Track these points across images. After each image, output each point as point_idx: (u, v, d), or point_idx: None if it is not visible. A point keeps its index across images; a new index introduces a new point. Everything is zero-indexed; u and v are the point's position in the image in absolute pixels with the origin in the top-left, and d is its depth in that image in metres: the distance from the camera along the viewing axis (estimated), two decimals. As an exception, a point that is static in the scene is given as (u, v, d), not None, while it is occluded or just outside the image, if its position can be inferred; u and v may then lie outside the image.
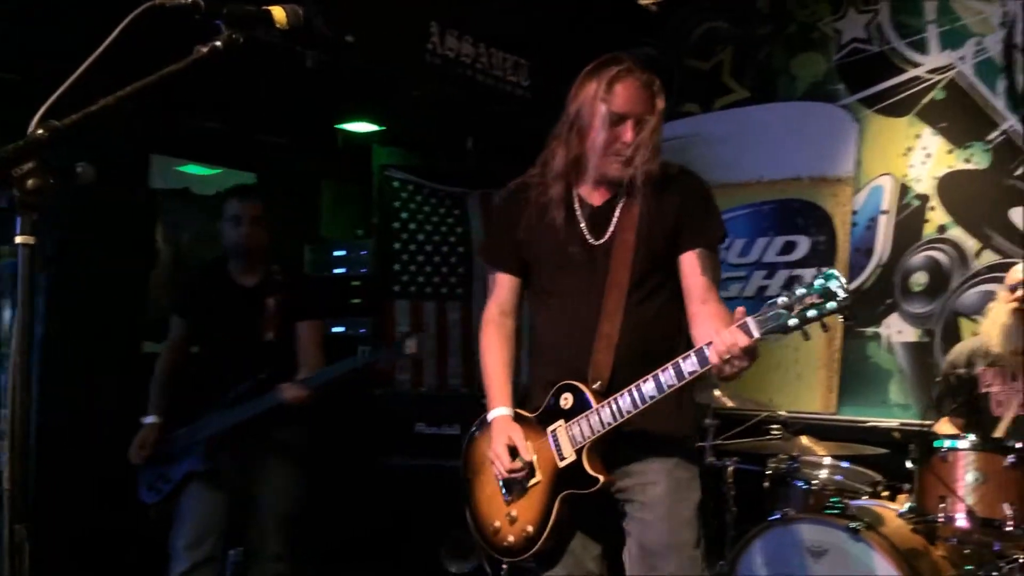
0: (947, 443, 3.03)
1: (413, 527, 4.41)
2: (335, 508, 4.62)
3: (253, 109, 4.49)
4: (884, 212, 4.48)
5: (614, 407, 2.09)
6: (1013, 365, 3.45)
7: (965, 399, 3.56)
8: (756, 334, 1.86)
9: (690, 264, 2.20)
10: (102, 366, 4.14)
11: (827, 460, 3.56)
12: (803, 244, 4.71)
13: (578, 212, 2.24)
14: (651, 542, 2.18)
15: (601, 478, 2.12)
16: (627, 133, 2.14)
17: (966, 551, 3.05)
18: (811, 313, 1.80)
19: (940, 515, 2.95)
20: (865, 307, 4.48)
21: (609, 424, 2.10)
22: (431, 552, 4.35)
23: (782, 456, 3.57)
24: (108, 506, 3.81)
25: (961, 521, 2.92)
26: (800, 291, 1.82)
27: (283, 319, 3.39)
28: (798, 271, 4.68)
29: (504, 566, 2.31)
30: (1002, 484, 2.89)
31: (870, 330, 4.49)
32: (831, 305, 1.79)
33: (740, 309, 1.92)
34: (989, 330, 3.54)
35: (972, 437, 3.02)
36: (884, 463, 3.65)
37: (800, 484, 3.47)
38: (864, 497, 3.46)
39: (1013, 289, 3.48)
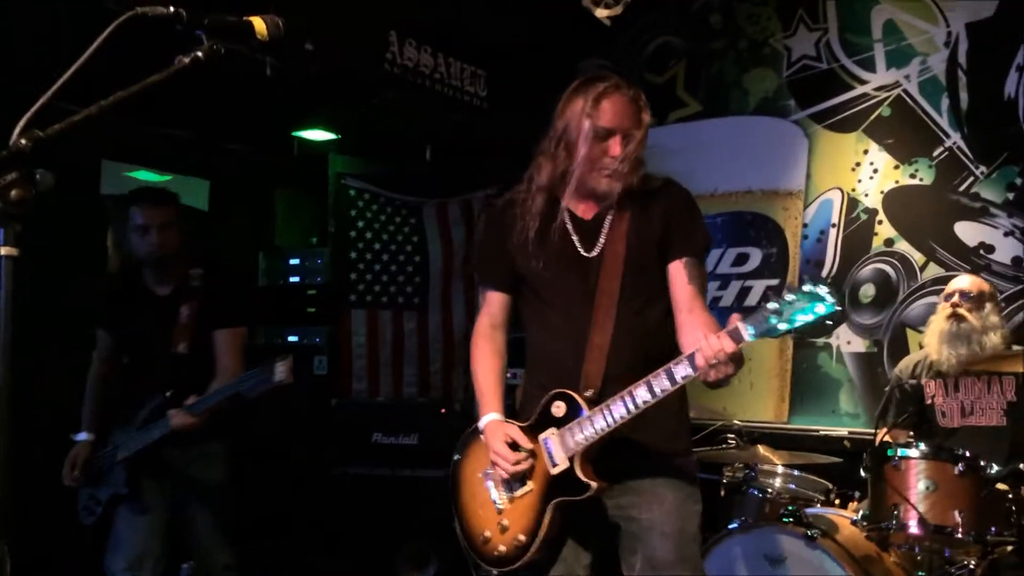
0: (900, 452, 3.11)
1: (370, 536, 4.38)
2: (292, 517, 4.60)
3: (208, 116, 4.43)
4: (834, 225, 4.60)
5: (607, 413, 2.11)
6: (952, 372, 3.57)
7: (915, 409, 3.68)
8: (747, 337, 1.90)
9: (677, 273, 2.24)
10: (52, 373, 4.03)
11: (780, 469, 3.61)
12: (755, 256, 4.80)
13: (569, 226, 2.28)
14: (660, 559, 2.19)
15: (593, 484, 2.13)
16: (615, 148, 2.18)
17: (918, 557, 3.14)
18: (799, 317, 1.84)
19: (893, 522, 3.02)
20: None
21: (602, 430, 2.11)
22: (388, 561, 4.33)
23: (738, 465, 3.62)
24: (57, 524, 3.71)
25: (913, 528, 2.99)
26: (790, 297, 1.86)
27: (198, 328, 3.22)
28: (750, 282, 4.77)
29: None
30: (953, 492, 2.98)
31: (821, 341, 4.59)
32: (819, 311, 1.84)
33: (735, 316, 1.96)
34: (930, 340, 3.67)
35: (923, 446, 3.11)
36: (834, 471, 3.73)
37: (756, 492, 3.52)
38: (817, 505, 3.52)
39: (948, 298, 3.61)
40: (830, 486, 3.64)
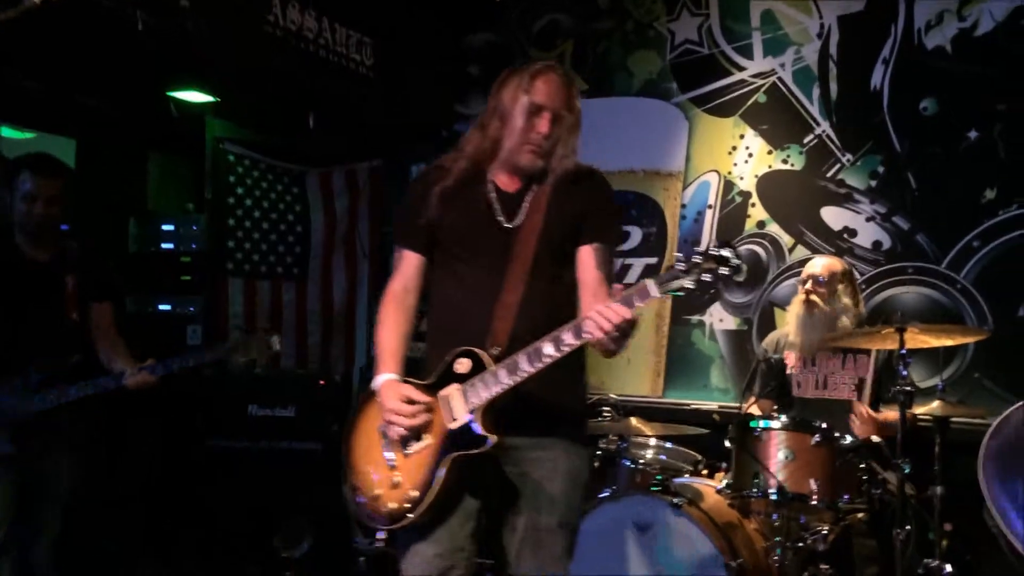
0: (762, 423, 3.26)
1: (244, 511, 4.30)
2: (163, 489, 4.47)
3: (74, 70, 4.21)
4: (710, 207, 4.74)
5: (511, 368, 2.14)
6: (808, 351, 3.75)
7: (777, 382, 3.86)
8: (655, 292, 1.98)
9: (588, 257, 2.32)
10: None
11: (653, 441, 3.75)
12: (636, 235, 4.90)
13: (493, 196, 2.34)
14: (544, 521, 2.25)
15: (492, 438, 2.14)
16: (543, 124, 2.26)
17: (776, 524, 3.28)
18: (707, 277, 1.94)
19: (754, 490, 3.17)
20: (691, 296, 4.58)
21: (505, 384, 2.14)
22: (264, 535, 4.26)
23: (612, 437, 3.72)
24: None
25: (773, 496, 3.15)
26: (697, 257, 1.95)
27: (80, 299, 3.28)
28: (630, 260, 4.88)
29: (380, 536, 2.28)
30: (809, 461, 3.14)
31: (695, 318, 4.74)
32: (724, 271, 1.93)
33: (617, 285, 2.05)
34: (789, 321, 3.86)
35: (784, 417, 3.26)
36: (704, 443, 3.89)
37: (628, 463, 3.64)
38: (686, 475, 3.66)
39: (803, 283, 3.79)
40: (699, 457, 3.79)
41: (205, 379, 4.67)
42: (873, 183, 4.36)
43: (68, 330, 3.24)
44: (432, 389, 2.25)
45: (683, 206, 4.80)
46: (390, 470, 2.27)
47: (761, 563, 3.27)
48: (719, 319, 4.69)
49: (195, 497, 4.39)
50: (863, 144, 4.38)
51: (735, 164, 4.69)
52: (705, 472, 3.74)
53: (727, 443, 3.37)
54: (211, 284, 5.02)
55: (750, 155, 4.66)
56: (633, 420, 3.74)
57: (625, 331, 2.02)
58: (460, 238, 2.34)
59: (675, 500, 3.22)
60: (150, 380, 3.13)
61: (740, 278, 1.98)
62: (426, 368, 2.32)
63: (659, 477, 3.42)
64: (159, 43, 3.76)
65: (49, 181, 3.22)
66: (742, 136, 4.67)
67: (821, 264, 3.81)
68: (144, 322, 5.00)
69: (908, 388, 3.14)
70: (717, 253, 1.93)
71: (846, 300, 3.72)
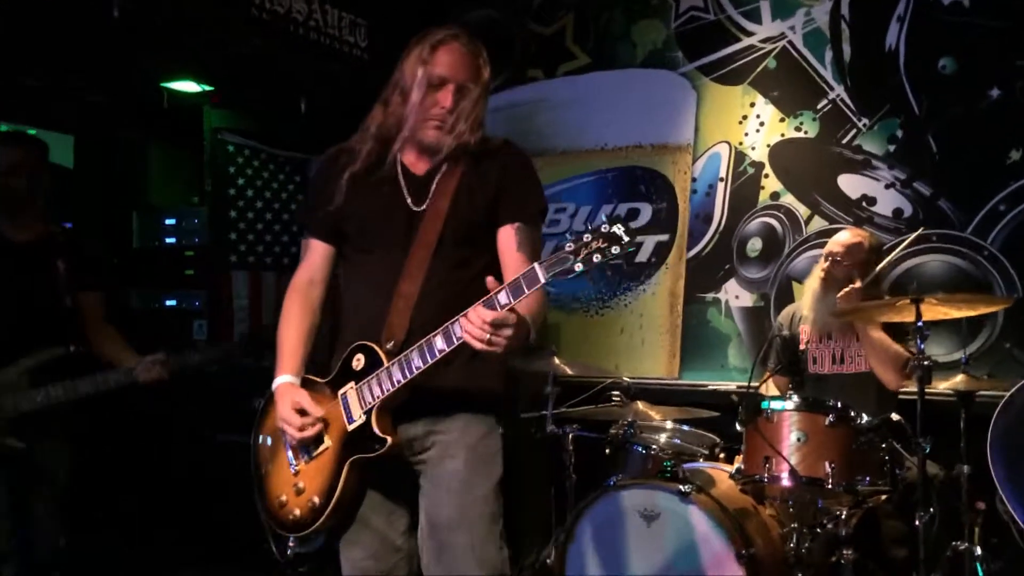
0: (772, 404, 3.09)
1: (252, 505, 4.23)
2: (170, 485, 4.44)
3: (63, 64, 4.13)
4: (721, 179, 4.56)
5: (404, 364, 2.02)
6: (823, 327, 3.58)
7: (789, 359, 3.70)
8: (543, 278, 1.85)
9: (507, 239, 2.18)
10: None
11: (668, 424, 3.58)
12: (646, 211, 4.74)
13: (400, 179, 2.20)
14: (442, 517, 2.11)
15: (389, 439, 2.04)
16: (446, 98, 2.12)
17: (791, 509, 3.13)
18: (596, 257, 1.81)
19: (766, 475, 3.01)
20: (705, 273, 4.57)
21: (399, 382, 2.03)
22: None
23: (622, 422, 3.57)
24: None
25: (785, 480, 2.99)
26: (587, 237, 1.83)
27: (70, 285, 3.14)
28: (640, 238, 4.70)
29: (291, 544, 2.18)
30: (823, 443, 2.98)
31: (710, 295, 4.57)
32: (615, 250, 1.81)
33: (490, 279, 1.91)
34: (805, 296, 3.69)
35: (796, 397, 3.10)
36: (722, 425, 3.69)
37: (639, 449, 3.48)
38: (700, 459, 3.51)
39: (826, 258, 3.60)
40: (717, 440, 3.62)
41: (210, 372, 4.61)
42: (891, 148, 4.15)
43: (63, 317, 3.12)
44: (332, 386, 2.14)
45: (693, 180, 4.63)
46: (293, 475, 2.17)
47: (777, 551, 3.12)
48: (735, 296, 4.52)
49: (200, 491, 4.33)
50: (880, 107, 4.17)
51: (746, 134, 4.50)
52: (723, 456, 3.58)
53: (737, 425, 3.21)
54: (215, 278, 4.93)
55: (761, 124, 4.47)
56: (640, 404, 3.59)
57: (506, 332, 1.87)
58: (364, 227, 2.20)
59: (684, 488, 3.07)
60: (163, 375, 3.06)
61: (629, 257, 1.87)
62: (332, 361, 2.21)
63: (667, 463, 3.26)
64: (142, 32, 3.67)
65: (4, 149, 3.10)
66: (752, 104, 4.48)
67: (843, 242, 3.60)
68: (151, 318, 4.98)
69: (926, 362, 2.95)
70: (608, 231, 1.81)
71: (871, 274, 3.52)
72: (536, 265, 1.86)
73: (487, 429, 2.18)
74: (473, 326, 1.87)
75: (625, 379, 3.90)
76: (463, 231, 2.15)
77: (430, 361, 1.98)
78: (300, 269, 2.30)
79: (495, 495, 2.14)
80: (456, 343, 1.94)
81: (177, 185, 5.36)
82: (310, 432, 2.09)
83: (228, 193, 5.01)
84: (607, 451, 3.60)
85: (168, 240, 5.06)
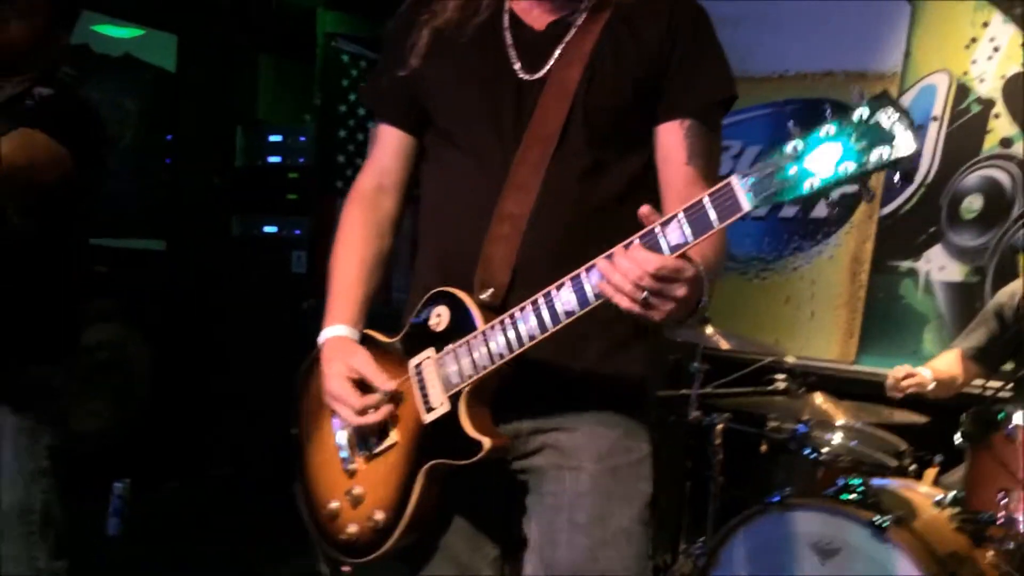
0: (1015, 416, 2.33)
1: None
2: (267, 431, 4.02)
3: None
4: (935, 118, 3.79)
5: (510, 328, 1.36)
6: None
7: (1009, 348, 2.97)
8: (746, 203, 1.18)
9: (670, 141, 1.49)
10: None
11: (840, 420, 2.85)
12: (831, 155, 3.95)
13: (507, 33, 1.51)
14: (562, 561, 1.44)
15: (486, 442, 1.37)
16: None
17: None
18: (848, 167, 1.12)
19: (1000, 513, 2.27)
20: (902, 236, 3.82)
21: (501, 357, 1.36)
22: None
23: (787, 416, 2.90)
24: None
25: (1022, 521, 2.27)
26: (830, 127, 1.14)
27: None
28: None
29: (346, 568, 1.55)
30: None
31: (906, 264, 3.83)
32: (884, 153, 1.10)
33: (644, 208, 1.25)
34: None
35: (1053, 410, 2.30)
36: (911, 424, 2.94)
37: (808, 453, 2.79)
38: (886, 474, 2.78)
39: None
40: (904, 447, 2.90)
41: (303, 312, 4.14)
42: None
43: None
44: (399, 352, 1.49)
45: (898, 118, 3.80)
46: (348, 477, 1.51)
47: (999, 614, 2.33)
48: (939, 267, 3.74)
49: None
50: None
51: (973, 62, 3.69)
52: (914, 467, 2.86)
53: (957, 439, 2.48)
54: (318, 204, 4.50)
55: (995, 49, 3.64)
56: (818, 397, 2.81)
57: (676, 290, 1.23)
58: (452, 104, 1.51)
59: (879, 520, 2.32)
60: None
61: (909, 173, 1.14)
62: (406, 310, 1.54)
63: (854, 480, 2.50)
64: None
65: None
66: (986, 24, 3.66)
67: None
68: (249, 247, 4.68)
69: None
70: (870, 119, 1.12)
71: None
72: (734, 178, 1.18)
73: (625, 430, 1.49)
74: (623, 276, 1.23)
75: (789, 359, 3.20)
76: (603, 119, 1.46)
77: (550, 327, 1.32)
78: (364, 170, 1.65)
79: (642, 526, 1.46)
80: (593, 301, 1.29)
81: (290, 100, 4.99)
82: (375, 418, 1.46)
83: (339, 110, 4.60)
84: (763, 449, 3.02)
85: (272, 159, 4.69)
